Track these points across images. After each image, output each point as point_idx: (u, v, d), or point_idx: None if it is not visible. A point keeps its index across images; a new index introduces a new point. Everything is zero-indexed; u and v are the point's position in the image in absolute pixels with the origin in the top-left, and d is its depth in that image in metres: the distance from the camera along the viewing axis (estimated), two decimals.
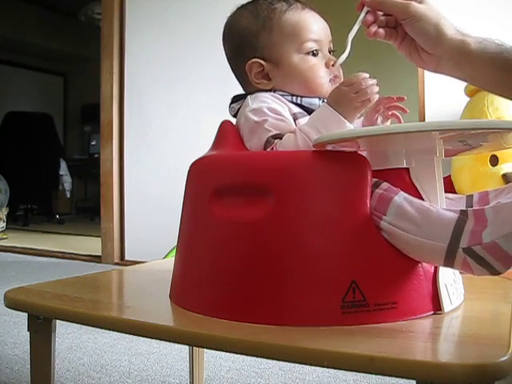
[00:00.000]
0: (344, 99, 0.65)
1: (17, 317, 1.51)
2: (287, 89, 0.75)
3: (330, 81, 0.76)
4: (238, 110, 0.76)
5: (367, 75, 0.65)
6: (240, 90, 0.80)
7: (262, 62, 0.75)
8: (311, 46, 0.74)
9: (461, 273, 0.64)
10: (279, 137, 0.67)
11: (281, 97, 0.73)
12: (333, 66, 0.76)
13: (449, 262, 0.54)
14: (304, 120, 0.72)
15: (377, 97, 0.65)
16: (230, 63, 0.81)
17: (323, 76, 0.75)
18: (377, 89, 0.65)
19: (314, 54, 0.75)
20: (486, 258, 0.51)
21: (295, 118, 0.72)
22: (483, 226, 0.52)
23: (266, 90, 0.75)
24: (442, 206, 0.61)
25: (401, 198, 0.57)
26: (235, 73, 0.80)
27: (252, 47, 0.75)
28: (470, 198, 0.68)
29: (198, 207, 0.67)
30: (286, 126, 0.69)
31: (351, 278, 0.56)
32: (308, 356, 0.49)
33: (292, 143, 0.65)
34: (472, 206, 0.66)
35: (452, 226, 0.53)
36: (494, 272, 0.52)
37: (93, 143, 5.16)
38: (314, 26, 0.75)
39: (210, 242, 0.63)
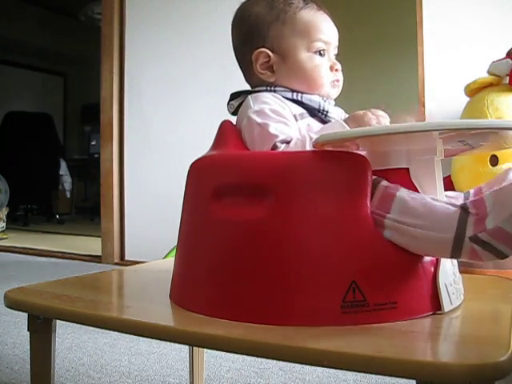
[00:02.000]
0: (366, 123, 0.65)
1: (17, 317, 1.51)
2: (289, 84, 0.76)
3: (330, 83, 0.77)
4: (237, 107, 0.77)
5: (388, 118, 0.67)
6: (240, 89, 0.80)
7: (270, 53, 0.76)
8: (320, 45, 0.76)
9: (464, 266, 0.65)
10: (286, 141, 0.67)
11: (281, 97, 0.73)
12: (336, 70, 0.78)
13: (456, 252, 0.54)
14: (304, 122, 0.72)
15: None
16: (235, 50, 0.81)
17: (326, 77, 0.76)
18: None
19: (321, 54, 0.76)
20: (492, 243, 0.52)
21: (295, 120, 0.72)
22: (485, 212, 0.53)
23: (268, 83, 0.76)
24: None
25: (403, 193, 0.57)
26: (240, 60, 0.81)
27: (262, 36, 0.76)
28: (466, 194, 0.69)
29: (198, 207, 0.66)
30: (290, 129, 0.69)
31: (351, 278, 0.56)
32: (308, 356, 0.49)
33: (300, 149, 0.66)
34: None
35: (457, 217, 0.54)
36: (502, 255, 0.53)
37: (93, 143, 5.15)
38: (326, 28, 0.77)
39: (209, 241, 0.63)
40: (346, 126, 0.66)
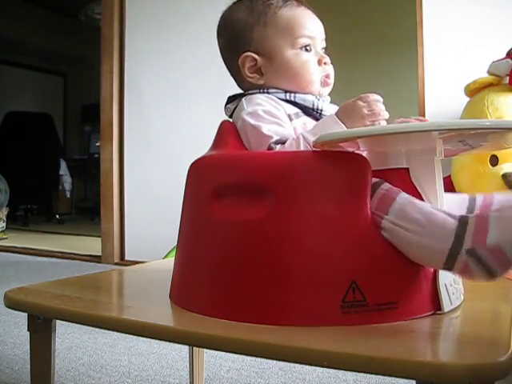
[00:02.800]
0: (356, 113, 0.65)
1: (17, 317, 1.51)
2: (279, 84, 0.75)
3: (321, 79, 0.76)
4: (234, 110, 0.76)
5: (381, 99, 0.65)
6: (239, 91, 0.80)
7: (256, 56, 0.75)
8: (304, 41, 0.75)
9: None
10: (281, 142, 0.67)
11: (274, 97, 0.73)
12: (325, 64, 0.76)
13: (449, 264, 0.53)
14: (299, 121, 0.72)
15: (383, 122, 0.66)
16: (223, 56, 0.81)
17: (315, 73, 0.75)
18: (387, 115, 0.66)
19: (307, 49, 0.75)
20: (487, 261, 0.51)
21: (290, 120, 0.72)
22: (487, 228, 0.51)
23: (259, 86, 0.76)
24: (442, 206, 0.61)
25: (402, 198, 0.57)
26: (229, 67, 0.80)
27: (246, 40, 0.76)
28: (472, 201, 0.67)
29: (198, 207, 0.67)
30: (284, 130, 0.69)
31: (351, 278, 0.56)
32: (308, 356, 0.49)
33: (294, 150, 0.65)
34: (473, 211, 0.66)
35: (455, 228, 0.53)
36: (492, 276, 0.52)
37: (97, 144, 5.15)
38: (308, 23, 0.76)
39: (209, 241, 0.63)
40: (337, 120, 0.65)
